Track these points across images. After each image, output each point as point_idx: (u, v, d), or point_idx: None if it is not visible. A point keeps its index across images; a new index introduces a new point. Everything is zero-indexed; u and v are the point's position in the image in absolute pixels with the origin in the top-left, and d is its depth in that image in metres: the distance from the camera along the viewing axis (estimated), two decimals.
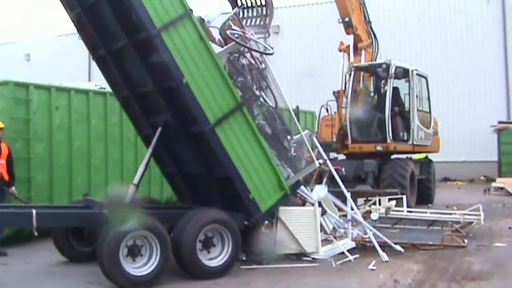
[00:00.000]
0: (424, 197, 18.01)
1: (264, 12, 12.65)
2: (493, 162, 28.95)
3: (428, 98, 19.06)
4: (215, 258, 9.53)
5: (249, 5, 12.44)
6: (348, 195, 11.94)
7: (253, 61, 10.75)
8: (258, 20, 12.50)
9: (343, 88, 18.23)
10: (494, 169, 28.79)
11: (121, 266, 8.44)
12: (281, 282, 9.26)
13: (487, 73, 31.22)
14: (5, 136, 11.64)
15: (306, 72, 31.58)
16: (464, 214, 13.13)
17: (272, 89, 10.80)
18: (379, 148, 17.78)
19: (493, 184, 25.16)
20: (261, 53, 10.56)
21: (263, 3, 12.38)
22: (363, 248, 11.63)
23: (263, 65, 10.77)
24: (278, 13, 34.51)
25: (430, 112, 19.09)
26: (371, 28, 18.38)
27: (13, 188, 11.39)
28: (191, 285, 9.11)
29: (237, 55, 10.55)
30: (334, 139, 18.01)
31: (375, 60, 18.31)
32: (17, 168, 11.77)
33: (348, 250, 11.06)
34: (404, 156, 18.48)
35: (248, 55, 10.70)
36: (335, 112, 18.43)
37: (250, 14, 12.53)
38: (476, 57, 31.08)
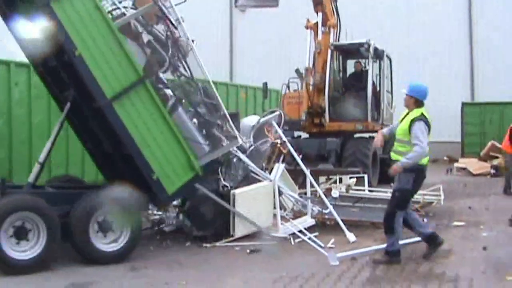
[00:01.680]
0: (387, 177, 17.93)
1: None
2: (457, 142, 29.18)
3: (391, 79, 19.13)
4: (113, 241, 8.98)
5: None
6: (307, 172, 11.93)
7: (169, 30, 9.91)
8: None
9: (311, 66, 18.13)
10: (457, 150, 28.99)
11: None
12: (239, 260, 9.29)
13: (451, 54, 31.25)
14: None
15: (274, 50, 31.46)
16: (424, 195, 13.19)
17: (188, 60, 10.03)
18: (359, 127, 17.84)
19: (456, 165, 25.34)
20: (170, 21, 9.75)
21: None
22: (323, 226, 11.65)
23: (179, 34, 10.00)
24: None
25: (391, 92, 19.15)
26: (336, 7, 18.28)
27: None
28: (149, 262, 9.07)
29: (154, 22, 9.80)
30: (303, 117, 17.92)
31: (338, 39, 18.24)
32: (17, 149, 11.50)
33: (307, 228, 11.02)
34: (367, 135, 18.55)
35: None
36: (294, 90, 18.34)
37: None
38: (440, 37, 31.05)
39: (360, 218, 11.88)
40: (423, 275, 8.34)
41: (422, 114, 8.87)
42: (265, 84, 18.35)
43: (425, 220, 12.00)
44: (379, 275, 8.37)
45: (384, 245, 9.32)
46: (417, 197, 12.71)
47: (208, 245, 10.06)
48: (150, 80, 9.20)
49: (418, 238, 9.75)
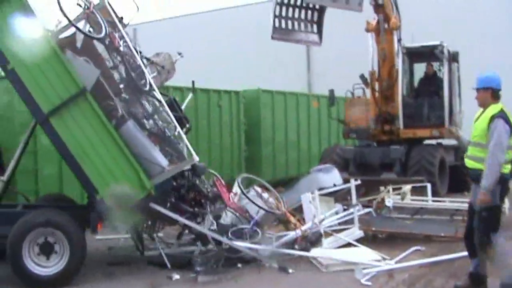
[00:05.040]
0: (459, 185, 16.98)
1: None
2: None
3: (459, 82, 18.06)
4: (52, 266, 8.32)
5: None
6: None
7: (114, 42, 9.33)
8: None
9: (376, 70, 17.36)
10: None
11: None
12: (267, 276, 8.79)
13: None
14: None
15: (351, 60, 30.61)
16: None
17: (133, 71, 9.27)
18: (435, 133, 16.95)
19: None
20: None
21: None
22: (373, 239, 11.02)
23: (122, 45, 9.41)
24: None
25: (459, 96, 18.10)
26: (396, 5, 17.32)
27: None
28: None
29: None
30: (372, 125, 17.19)
31: (399, 41, 17.37)
32: (24, 160, 11.52)
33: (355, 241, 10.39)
34: (434, 141, 17.61)
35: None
36: (358, 97, 17.65)
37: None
38: None
39: (411, 231, 11.00)
40: None
41: (501, 110, 7.36)
42: (332, 91, 17.68)
43: None
44: None
45: (427, 260, 8.69)
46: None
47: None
48: (92, 93, 8.50)
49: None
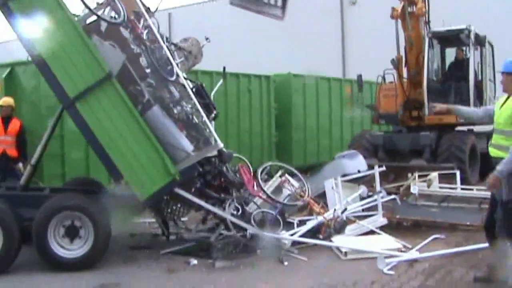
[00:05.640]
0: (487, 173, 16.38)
1: None
2: None
3: (493, 67, 17.61)
4: (76, 249, 8.44)
5: None
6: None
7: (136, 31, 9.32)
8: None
9: (404, 56, 17.05)
10: None
11: None
12: (281, 265, 8.66)
13: None
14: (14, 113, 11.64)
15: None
16: None
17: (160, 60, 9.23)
18: (460, 119, 16.58)
19: None
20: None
21: None
22: (398, 227, 10.89)
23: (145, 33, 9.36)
24: None
25: (494, 82, 17.66)
26: None
27: (20, 165, 11.36)
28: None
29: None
30: (400, 111, 16.93)
31: (429, 25, 16.99)
32: (50, 145, 11.64)
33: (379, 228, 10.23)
34: (465, 128, 17.27)
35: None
36: (390, 82, 17.38)
37: None
38: None
39: (436, 219, 10.83)
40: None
41: None
42: (360, 76, 17.43)
43: None
44: (430, 285, 7.56)
45: (450, 250, 8.55)
46: None
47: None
48: (117, 78, 8.52)
49: None
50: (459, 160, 15.09)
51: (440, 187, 12.75)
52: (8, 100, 11.54)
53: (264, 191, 10.01)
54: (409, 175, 13.14)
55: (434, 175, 12.62)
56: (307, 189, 10.64)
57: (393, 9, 16.17)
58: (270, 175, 11.17)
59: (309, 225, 9.86)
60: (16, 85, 12.80)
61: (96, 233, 8.40)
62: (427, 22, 16.63)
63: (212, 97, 10.67)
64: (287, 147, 18.74)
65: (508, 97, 7.33)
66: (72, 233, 8.47)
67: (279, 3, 11.33)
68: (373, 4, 24.39)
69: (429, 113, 15.48)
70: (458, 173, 13.39)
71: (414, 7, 16.07)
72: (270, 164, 11.67)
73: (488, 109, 7.95)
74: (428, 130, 16.35)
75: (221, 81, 12.58)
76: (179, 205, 9.74)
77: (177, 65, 9.62)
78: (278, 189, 10.64)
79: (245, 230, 9.05)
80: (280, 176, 10.79)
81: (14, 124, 11.45)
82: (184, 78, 9.61)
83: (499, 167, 6.91)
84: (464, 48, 17.11)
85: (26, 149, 11.43)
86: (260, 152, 17.78)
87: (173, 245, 9.68)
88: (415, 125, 16.99)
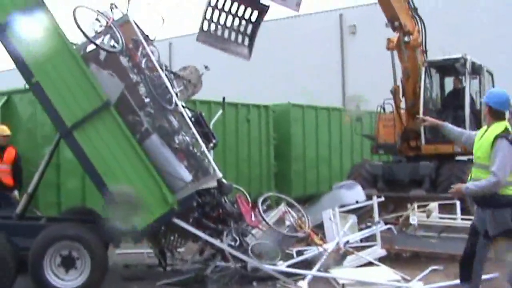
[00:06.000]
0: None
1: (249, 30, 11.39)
2: None
3: None
4: (70, 280, 8.29)
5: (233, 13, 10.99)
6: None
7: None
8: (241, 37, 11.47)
9: (400, 87, 16.99)
10: None
11: None
12: None
13: None
14: (8, 141, 11.48)
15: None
16: None
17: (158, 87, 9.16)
18: (457, 148, 16.52)
19: None
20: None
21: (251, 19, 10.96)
22: (396, 258, 10.76)
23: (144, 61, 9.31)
24: (354, 12, 33.62)
25: None
26: (417, 14, 16.84)
27: (16, 193, 11.30)
28: None
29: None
30: (398, 141, 16.90)
31: (425, 52, 16.97)
32: (47, 173, 11.57)
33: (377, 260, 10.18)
34: (465, 158, 17.19)
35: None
36: (390, 112, 17.35)
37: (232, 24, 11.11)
38: None
39: (435, 250, 10.74)
40: None
41: (506, 129, 6.86)
42: (357, 107, 17.50)
43: None
44: None
45: (449, 282, 8.41)
46: None
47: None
48: (116, 106, 8.50)
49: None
50: None
51: (440, 218, 12.62)
52: (4, 129, 11.50)
53: (265, 221, 9.85)
54: (409, 205, 13.03)
55: (433, 205, 12.50)
56: (306, 220, 10.52)
57: (389, 40, 16.10)
58: (268, 206, 11.06)
59: (308, 255, 9.76)
60: (13, 113, 12.84)
61: (93, 266, 8.27)
62: (425, 52, 16.62)
63: (211, 127, 10.59)
64: (287, 177, 18.66)
65: (486, 129, 7.19)
66: (68, 264, 8.35)
67: (246, 42, 11.28)
68: (372, 33, 24.33)
69: (417, 123, 15.37)
70: (458, 203, 13.26)
71: (410, 36, 16.04)
72: (270, 194, 11.57)
73: (471, 135, 7.73)
74: (427, 159, 16.26)
75: (220, 111, 12.52)
76: (176, 235, 9.62)
77: (176, 94, 9.60)
78: (279, 220, 10.52)
79: (243, 261, 8.92)
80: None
81: (10, 153, 11.38)
82: (183, 106, 9.55)
83: (469, 184, 6.95)
84: (461, 77, 17.06)
85: (22, 177, 11.35)
86: (259, 182, 17.69)
87: (169, 276, 9.55)
88: (414, 155, 16.91)
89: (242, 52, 11.29)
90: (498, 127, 6.93)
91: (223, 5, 10.98)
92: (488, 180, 6.74)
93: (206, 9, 10.87)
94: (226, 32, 11.15)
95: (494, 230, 6.87)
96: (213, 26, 10.96)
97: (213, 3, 10.93)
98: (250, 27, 11.30)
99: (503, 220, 6.81)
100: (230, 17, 11.05)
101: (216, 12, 10.95)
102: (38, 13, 8.41)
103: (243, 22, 11.15)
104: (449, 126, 8.21)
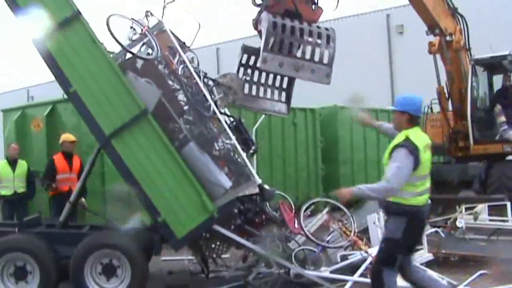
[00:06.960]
0: None
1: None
2: None
3: None
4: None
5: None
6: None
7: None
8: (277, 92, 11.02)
9: (445, 88, 16.60)
10: None
11: None
12: None
13: None
14: (75, 149, 11.86)
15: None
16: None
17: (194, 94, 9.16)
18: (507, 148, 16.11)
19: None
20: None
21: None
22: (445, 262, 10.49)
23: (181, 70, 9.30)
24: (402, 12, 33.16)
25: None
26: (457, 13, 16.35)
27: (83, 200, 11.45)
28: None
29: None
30: (446, 142, 16.54)
31: (469, 50, 16.47)
32: (90, 181, 11.69)
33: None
34: None
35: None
36: (438, 112, 16.99)
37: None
38: None
39: (484, 253, 10.41)
40: None
41: (407, 138, 6.58)
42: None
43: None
44: None
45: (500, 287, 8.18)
46: None
47: None
48: (154, 114, 8.45)
49: None
50: (510, 191, 14.59)
51: (490, 220, 12.33)
52: (69, 136, 11.65)
53: (304, 231, 9.70)
54: (457, 207, 12.75)
55: (481, 207, 12.24)
56: (352, 227, 10.34)
57: (431, 44, 15.79)
58: (314, 212, 10.93)
59: (352, 259, 9.64)
60: (57, 122, 13.06)
61: (134, 274, 8.30)
62: (468, 50, 16.25)
63: (254, 132, 10.49)
64: (335, 181, 18.44)
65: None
66: (109, 272, 8.39)
67: (283, 98, 10.94)
68: (420, 33, 23.98)
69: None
70: (509, 204, 12.94)
71: (452, 36, 15.71)
72: (315, 201, 11.42)
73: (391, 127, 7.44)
74: (477, 160, 15.91)
75: (263, 116, 12.45)
76: (218, 243, 9.58)
77: (216, 101, 9.53)
78: (323, 227, 10.40)
79: (286, 267, 8.82)
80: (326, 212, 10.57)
81: (76, 161, 11.79)
82: (221, 113, 9.50)
83: (362, 186, 6.70)
84: (509, 74, 16.65)
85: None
86: (307, 186, 17.59)
87: (212, 284, 9.50)
88: (463, 155, 16.55)
89: (280, 110, 11.08)
90: (400, 137, 6.70)
91: (255, 62, 10.68)
92: (380, 185, 6.59)
93: (238, 69, 10.74)
94: (262, 90, 10.93)
95: (393, 234, 6.72)
96: (247, 86, 10.79)
97: (244, 60, 10.76)
98: (285, 80, 11.01)
99: (393, 226, 6.74)
100: (263, 74, 10.82)
101: (249, 70, 10.81)
102: (75, 23, 8.43)
103: (278, 77, 10.89)
104: (384, 125, 7.89)
